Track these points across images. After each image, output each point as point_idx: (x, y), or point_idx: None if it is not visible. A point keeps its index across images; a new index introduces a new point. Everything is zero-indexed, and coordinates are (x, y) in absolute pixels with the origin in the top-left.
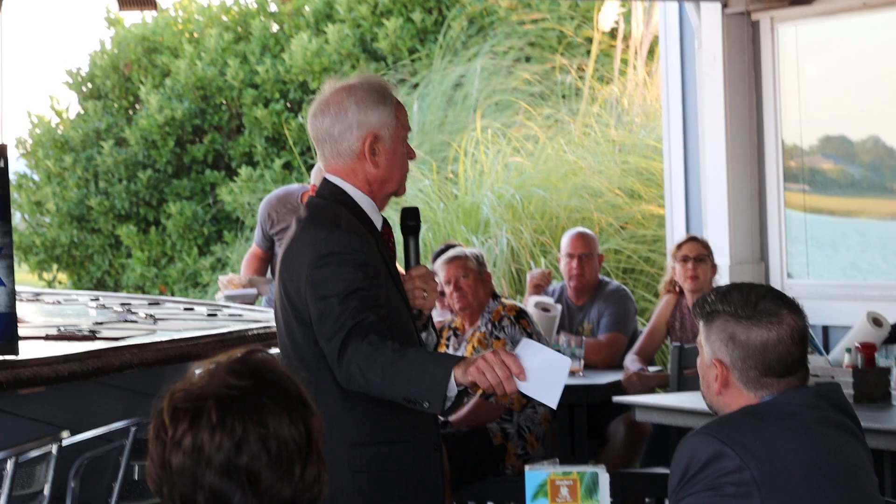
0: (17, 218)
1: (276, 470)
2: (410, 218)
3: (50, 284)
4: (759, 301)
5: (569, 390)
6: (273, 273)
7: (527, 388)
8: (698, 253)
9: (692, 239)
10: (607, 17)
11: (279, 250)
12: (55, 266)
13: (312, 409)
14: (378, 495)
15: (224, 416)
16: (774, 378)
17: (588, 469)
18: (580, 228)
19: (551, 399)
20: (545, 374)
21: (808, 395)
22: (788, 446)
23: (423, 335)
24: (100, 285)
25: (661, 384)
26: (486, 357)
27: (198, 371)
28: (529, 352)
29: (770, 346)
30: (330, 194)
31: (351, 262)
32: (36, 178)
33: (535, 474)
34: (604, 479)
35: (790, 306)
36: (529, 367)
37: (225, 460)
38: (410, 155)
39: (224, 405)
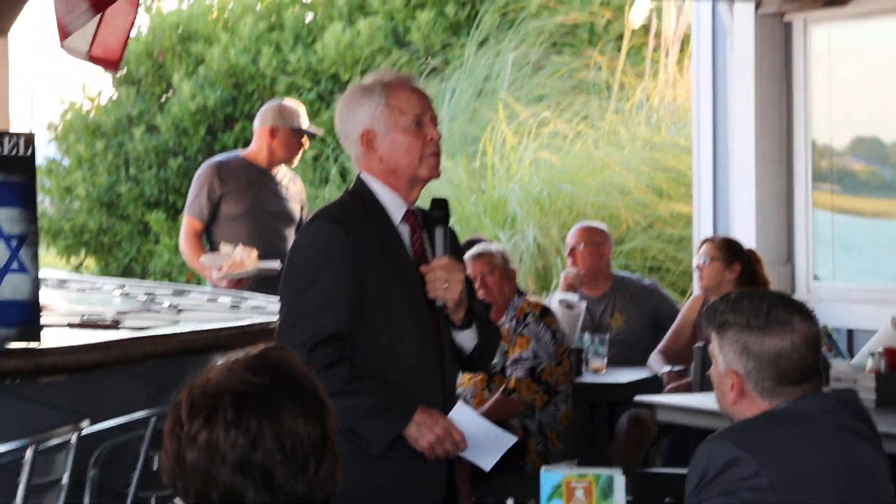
0: (46, 203)
1: (291, 467)
2: (435, 208)
3: (77, 269)
4: (770, 310)
5: (591, 388)
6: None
7: (465, 454)
8: (707, 254)
9: (706, 241)
10: (638, 13)
11: (227, 213)
12: (83, 251)
13: (328, 406)
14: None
15: (240, 413)
16: (790, 386)
17: (604, 472)
18: (584, 222)
19: (486, 463)
20: (485, 442)
21: (827, 402)
22: (805, 453)
23: (465, 333)
24: (127, 272)
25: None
26: (433, 426)
27: (219, 363)
28: (468, 419)
29: (784, 355)
30: (353, 187)
31: (323, 266)
32: (66, 163)
33: (551, 475)
34: (619, 481)
35: (802, 313)
36: (469, 435)
37: (239, 457)
38: (423, 137)
39: (240, 402)
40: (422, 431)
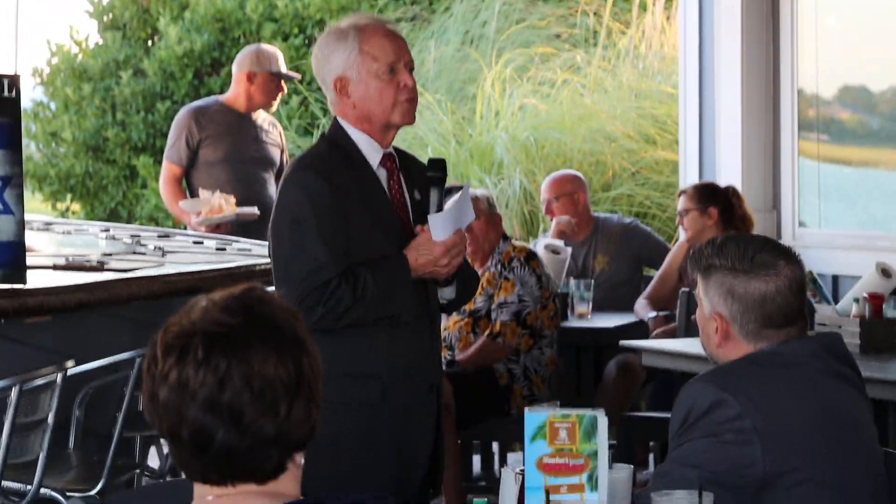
0: (32, 147)
1: (260, 407)
2: (431, 168)
3: (63, 215)
4: (755, 253)
5: (576, 333)
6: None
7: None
8: (683, 206)
9: (681, 192)
10: None
11: (206, 158)
12: (69, 196)
13: (307, 348)
14: (335, 427)
15: (209, 353)
16: (774, 329)
17: (587, 412)
18: (553, 173)
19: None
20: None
21: (811, 345)
22: (789, 395)
23: (446, 289)
24: (113, 216)
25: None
26: (432, 261)
27: (199, 303)
28: (442, 220)
29: (769, 299)
30: (329, 132)
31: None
32: (53, 106)
33: (535, 416)
34: (602, 422)
35: (787, 256)
36: (451, 219)
37: (208, 396)
38: (397, 84)
39: (210, 342)
40: (429, 269)
